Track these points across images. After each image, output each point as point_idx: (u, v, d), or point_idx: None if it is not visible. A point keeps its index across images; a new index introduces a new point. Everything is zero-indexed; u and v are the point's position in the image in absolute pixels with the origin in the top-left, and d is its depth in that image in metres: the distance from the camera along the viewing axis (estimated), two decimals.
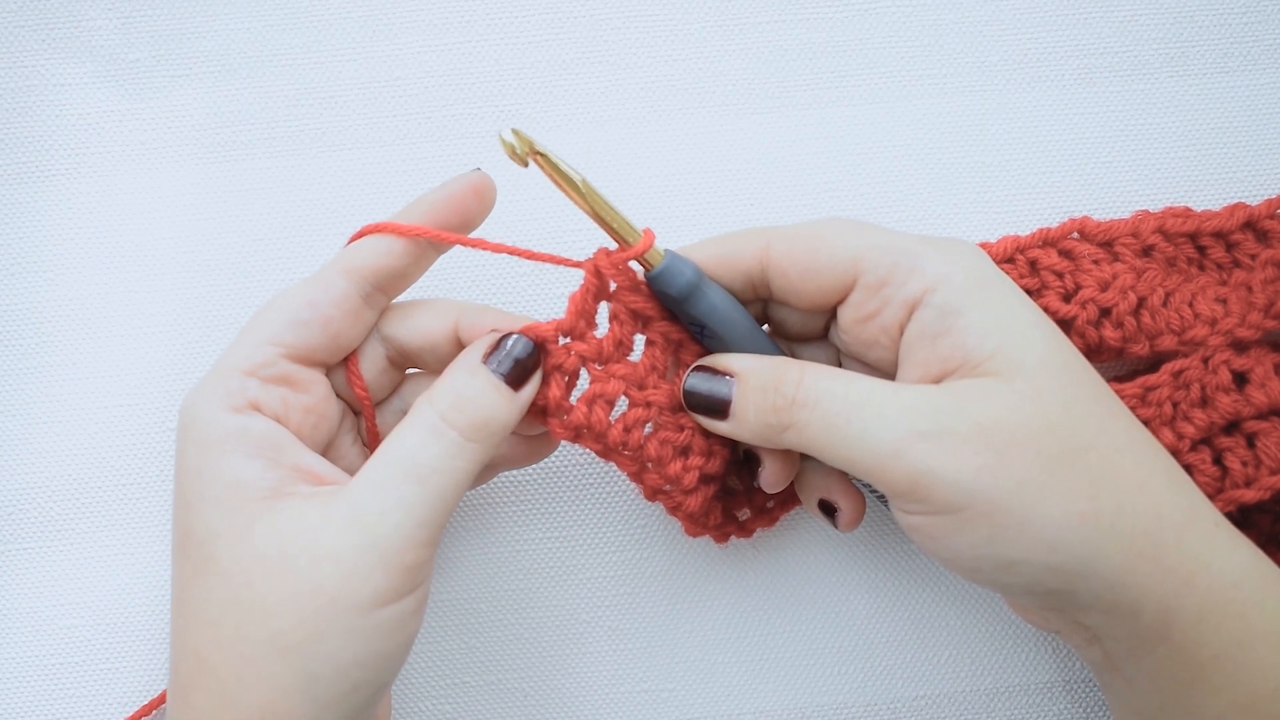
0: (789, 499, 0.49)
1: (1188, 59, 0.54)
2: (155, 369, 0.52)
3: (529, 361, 0.41)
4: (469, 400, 0.39)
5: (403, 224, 0.42)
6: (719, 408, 0.42)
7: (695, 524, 0.46)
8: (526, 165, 0.40)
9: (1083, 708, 0.50)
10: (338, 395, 0.43)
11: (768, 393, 0.40)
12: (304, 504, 0.38)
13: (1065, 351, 0.40)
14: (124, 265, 0.53)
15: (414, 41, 0.54)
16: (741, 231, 0.43)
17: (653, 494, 0.45)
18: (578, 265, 0.43)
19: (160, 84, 0.54)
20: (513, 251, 0.43)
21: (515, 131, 0.40)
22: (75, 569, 0.51)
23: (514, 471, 0.51)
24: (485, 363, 0.40)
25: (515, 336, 0.41)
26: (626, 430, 0.43)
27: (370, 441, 0.44)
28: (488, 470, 0.45)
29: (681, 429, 0.44)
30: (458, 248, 0.44)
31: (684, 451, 0.44)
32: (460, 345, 0.43)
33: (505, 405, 0.40)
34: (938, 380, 0.39)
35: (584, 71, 0.54)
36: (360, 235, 0.42)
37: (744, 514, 0.49)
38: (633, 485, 0.51)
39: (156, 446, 0.52)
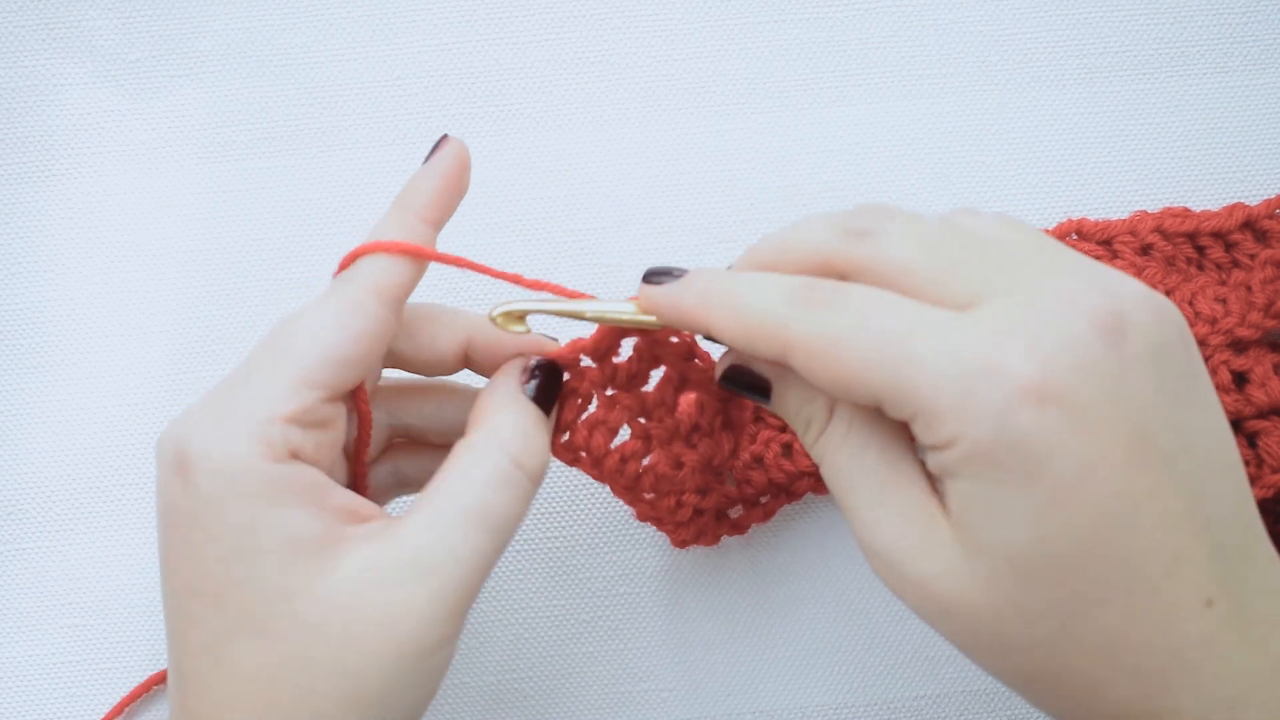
0: (781, 492, 0.49)
1: (1188, 59, 0.54)
2: (155, 369, 0.52)
3: (555, 388, 0.39)
4: (534, 440, 0.37)
5: (432, 250, 0.38)
6: (762, 388, 0.38)
7: (683, 541, 0.46)
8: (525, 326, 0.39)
9: None
10: None
11: (800, 422, 0.37)
12: (362, 548, 0.35)
13: (1053, 545, 0.31)
14: (124, 265, 0.53)
15: (414, 41, 0.54)
16: (762, 326, 0.34)
17: (644, 517, 0.45)
18: (656, 331, 0.39)
19: (160, 84, 0.54)
20: (573, 294, 0.39)
21: (504, 314, 0.38)
22: (75, 568, 0.51)
23: None
24: (531, 395, 0.38)
25: (549, 365, 0.39)
26: (623, 460, 0.42)
27: (357, 454, 0.41)
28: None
29: (680, 465, 0.43)
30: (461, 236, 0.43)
31: (679, 488, 0.43)
32: (465, 362, 0.41)
33: (545, 440, 0.39)
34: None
35: (584, 71, 0.54)
36: (368, 251, 0.38)
37: (736, 510, 0.49)
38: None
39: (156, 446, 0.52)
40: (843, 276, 0.35)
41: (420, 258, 0.38)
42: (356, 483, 0.41)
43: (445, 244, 0.40)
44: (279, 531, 0.35)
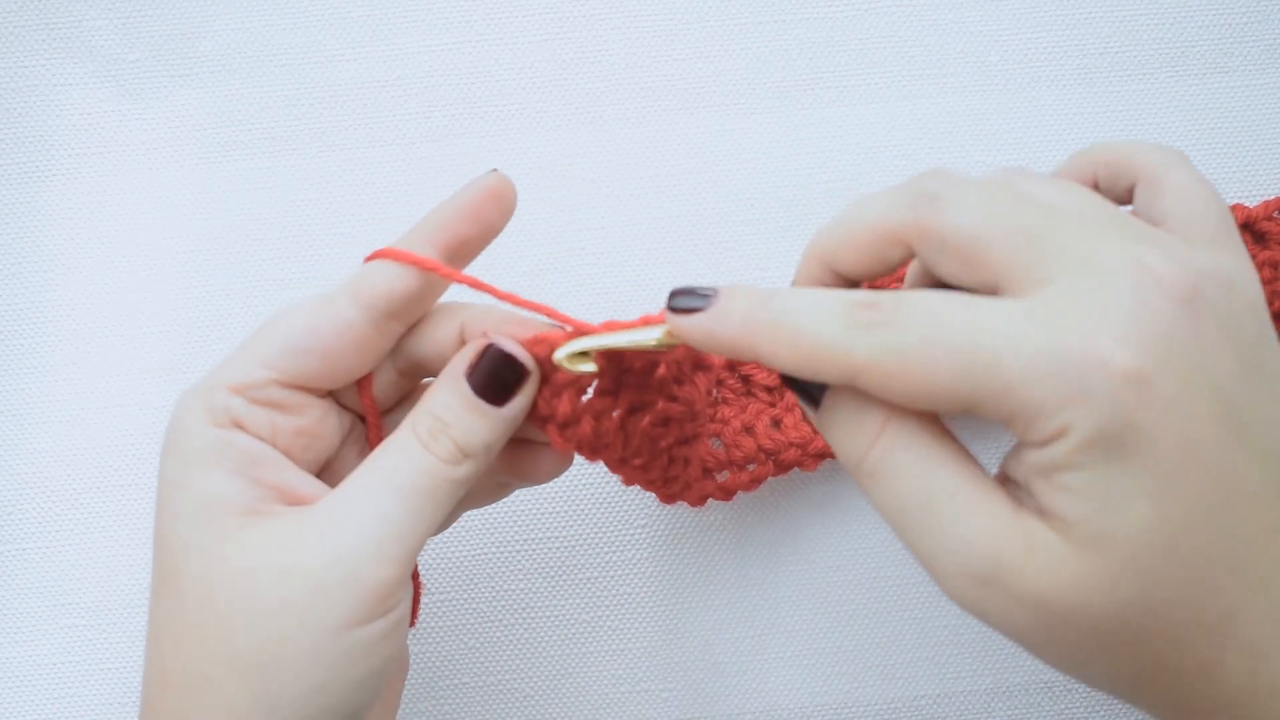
0: (769, 459, 0.49)
1: (1188, 59, 0.54)
2: (155, 369, 0.52)
3: (509, 376, 0.38)
4: (448, 422, 0.37)
5: (417, 255, 0.38)
6: (814, 396, 0.35)
7: (671, 497, 0.45)
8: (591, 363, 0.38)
9: (1084, 707, 0.50)
10: (344, 406, 0.41)
11: (848, 435, 0.35)
12: (278, 521, 0.36)
13: (1177, 528, 0.31)
14: (124, 265, 0.53)
15: (414, 41, 0.54)
16: (816, 350, 0.33)
17: (631, 481, 0.43)
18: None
19: (160, 84, 0.54)
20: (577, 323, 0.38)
21: (568, 356, 0.37)
22: (75, 568, 0.51)
23: None
24: (468, 376, 0.37)
25: (493, 348, 0.38)
26: (627, 437, 0.41)
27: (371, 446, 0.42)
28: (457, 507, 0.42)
29: (667, 421, 0.41)
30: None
31: (669, 444, 0.42)
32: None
33: (486, 425, 0.37)
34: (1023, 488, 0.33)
35: (584, 71, 0.54)
36: (376, 257, 0.39)
37: (723, 475, 0.49)
38: (632, 486, 0.51)
39: (156, 446, 0.52)
40: (909, 248, 0.34)
41: (402, 261, 0.38)
42: (363, 397, 0.41)
43: None
44: (199, 492, 0.36)
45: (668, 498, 0.45)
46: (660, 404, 0.41)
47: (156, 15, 0.54)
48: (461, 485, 0.37)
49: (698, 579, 0.51)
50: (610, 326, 0.38)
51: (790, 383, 0.36)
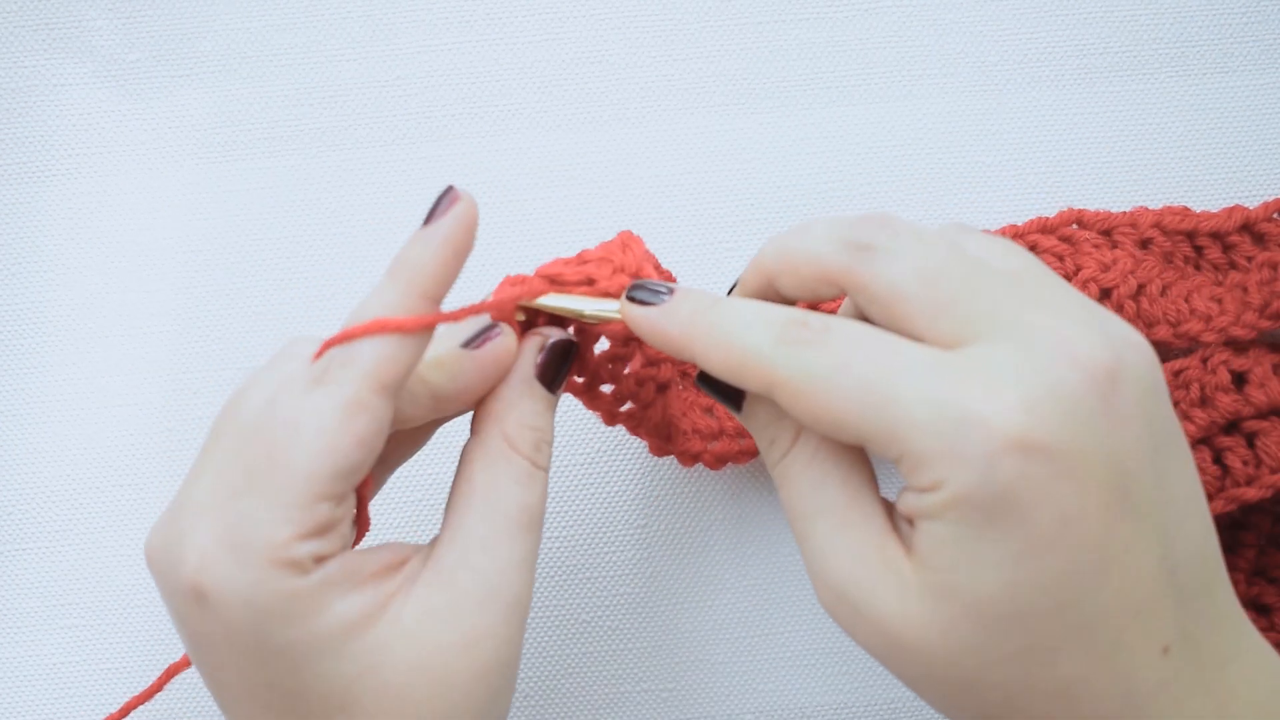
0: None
1: (1188, 59, 0.54)
2: (155, 369, 0.52)
3: (566, 360, 0.40)
4: (540, 427, 0.38)
5: (418, 318, 0.35)
6: (734, 398, 0.38)
7: (660, 444, 0.46)
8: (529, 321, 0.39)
9: None
10: None
11: (765, 439, 0.37)
12: (415, 594, 0.35)
13: (1023, 597, 0.31)
14: (124, 265, 0.53)
15: (414, 41, 0.54)
16: (749, 366, 0.34)
17: (613, 421, 0.45)
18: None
19: (160, 84, 0.54)
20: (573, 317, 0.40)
21: (522, 307, 0.38)
22: (75, 568, 0.51)
23: None
24: (540, 378, 0.39)
25: (555, 343, 0.39)
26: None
27: (361, 490, 0.38)
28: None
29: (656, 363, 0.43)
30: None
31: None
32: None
33: (552, 412, 0.39)
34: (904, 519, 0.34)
35: (583, 71, 0.54)
36: (363, 333, 0.34)
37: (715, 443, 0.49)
38: (632, 487, 0.51)
39: (156, 446, 0.52)
40: (841, 290, 0.35)
41: (423, 329, 0.35)
42: (360, 520, 0.39)
43: None
44: (333, 631, 0.34)
45: (657, 448, 0.46)
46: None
47: (156, 15, 0.54)
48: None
49: (697, 579, 0.51)
50: (582, 258, 0.40)
51: (707, 384, 0.38)
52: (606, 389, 0.43)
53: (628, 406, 0.44)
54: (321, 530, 0.34)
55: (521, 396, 0.38)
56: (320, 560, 0.34)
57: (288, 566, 0.33)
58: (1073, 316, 0.32)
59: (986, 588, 0.31)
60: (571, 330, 0.40)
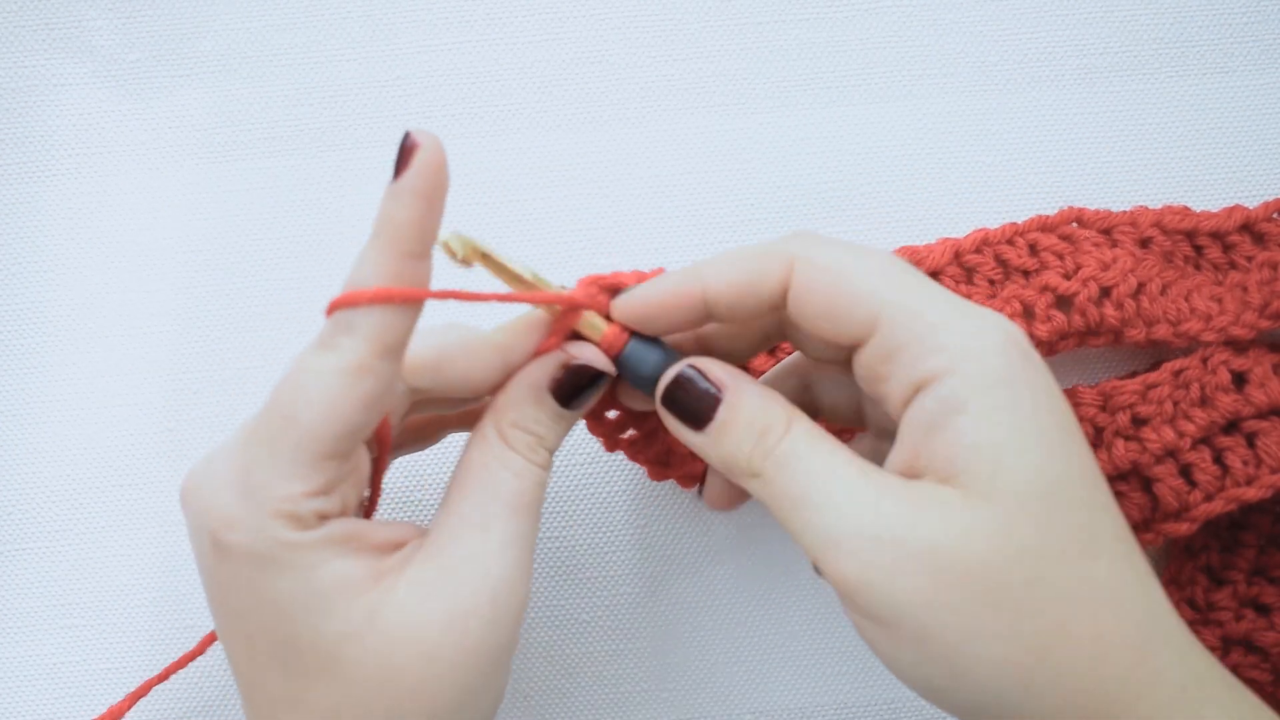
0: None
1: (1188, 59, 0.54)
2: (155, 369, 0.52)
3: (588, 383, 0.40)
4: (542, 434, 0.39)
5: (420, 290, 0.35)
6: (700, 416, 0.38)
7: (659, 470, 0.46)
8: (471, 266, 0.37)
9: None
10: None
11: (752, 431, 0.37)
12: (410, 570, 0.36)
13: (1067, 477, 0.34)
14: (124, 265, 0.53)
15: (414, 41, 0.54)
16: (766, 249, 0.37)
17: (615, 448, 0.45)
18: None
19: (160, 84, 0.54)
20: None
21: (458, 236, 0.36)
22: (75, 568, 0.51)
23: None
24: (553, 391, 0.39)
25: (577, 367, 0.39)
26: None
27: (375, 473, 0.40)
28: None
29: None
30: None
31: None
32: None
33: (566, 425, 0.40)
34: (917, 474, 0.35)
35: (583, 71, 0.54)
36: (358, 300, 0.34)
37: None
38: (632, 487, 0.51)
39: (156, 446, 0.52)
40: (780, 286, 0.38)
41: (416, 300, 0.35)
42: (372, 493, 0.40)
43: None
44: (326, 588, 0.35)
45: (656, 473, 0.46)
46: None
47: (156, 15, 0.54)
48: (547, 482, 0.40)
49: (697, 579, 0.51)
50: (639, 277, 0.41)
51: (672, 403, 0.39)
52: (610, 414, 0.44)
53: (630, 433, 0.44)
54: (327, 489, 0.35)
55: (524, 400, 0.39)
56: (323, 518, 0.36)
57: (290, 519, 0.35)
58: (968, 305, 0.37)
59: (1034, 463, 0.34)
60: (610, 362, 0.40)
